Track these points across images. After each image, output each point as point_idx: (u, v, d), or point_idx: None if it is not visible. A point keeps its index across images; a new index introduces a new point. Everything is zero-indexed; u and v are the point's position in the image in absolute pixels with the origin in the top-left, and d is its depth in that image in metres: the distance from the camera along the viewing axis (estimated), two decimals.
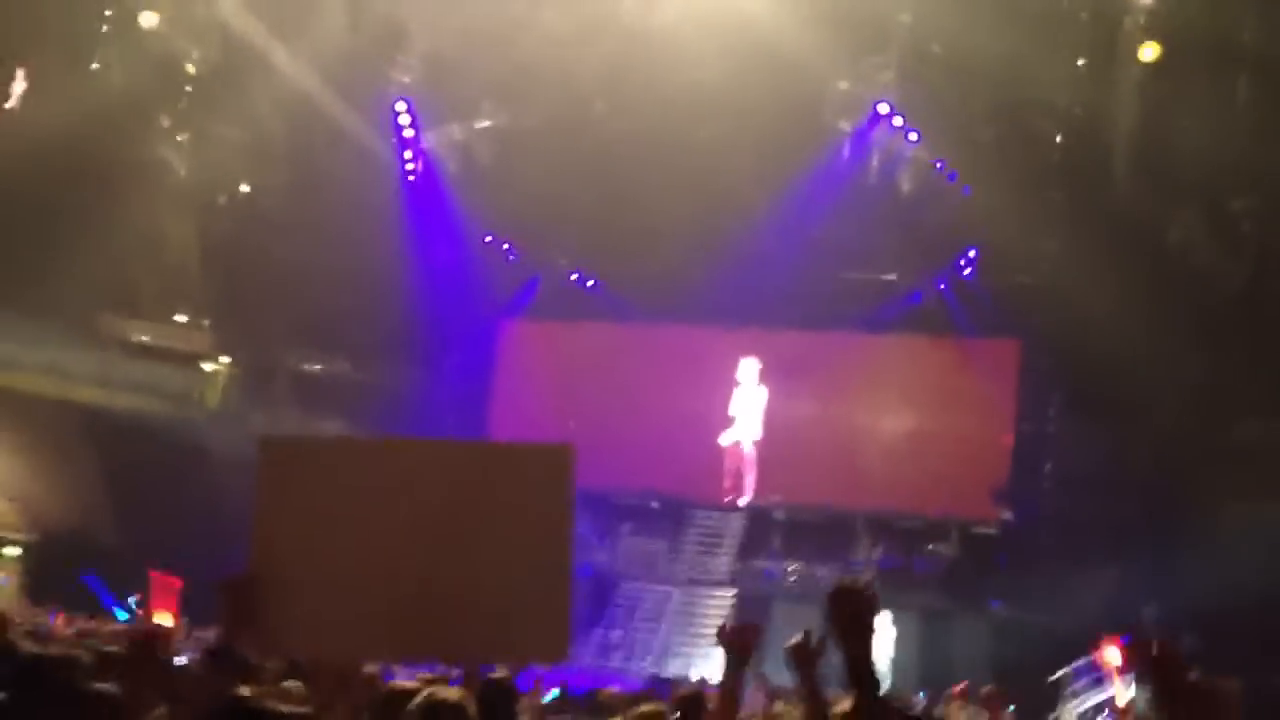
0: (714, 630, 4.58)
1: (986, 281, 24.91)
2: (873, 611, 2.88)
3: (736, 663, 4.23)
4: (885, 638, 21.54)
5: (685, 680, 13.46)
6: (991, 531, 24.02)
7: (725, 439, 25.46)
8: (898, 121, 23.16)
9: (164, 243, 24.63)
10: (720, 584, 23.54)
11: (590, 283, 26.94)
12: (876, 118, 23.31)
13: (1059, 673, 19.36)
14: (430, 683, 6.33)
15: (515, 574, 3.30)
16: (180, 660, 6.58)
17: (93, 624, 13.00)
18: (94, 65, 22.73)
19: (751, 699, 10.72)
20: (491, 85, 24.22)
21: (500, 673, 5.86)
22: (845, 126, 23.82)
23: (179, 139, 24.37)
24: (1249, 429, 22.09)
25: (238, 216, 24.99)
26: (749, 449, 25.42)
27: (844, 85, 23.13)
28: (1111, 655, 15.73)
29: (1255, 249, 22.19)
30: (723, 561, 24.22)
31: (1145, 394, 22.40)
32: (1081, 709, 18.27)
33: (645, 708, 6.29)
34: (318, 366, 26.83)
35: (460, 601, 3.27)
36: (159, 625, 11.06)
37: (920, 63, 22.52)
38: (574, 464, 3.42)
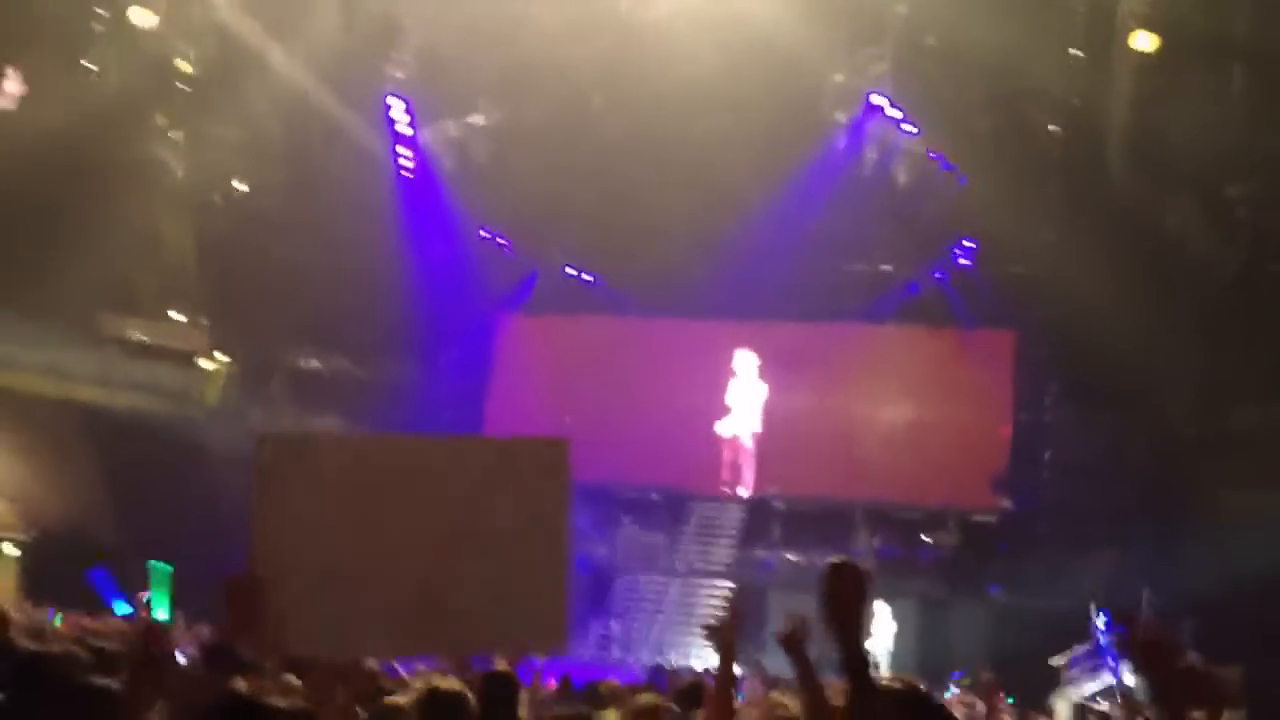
0: (714, 621, 4.60)
1: (983, 272, 24.95)
2: (863, 589, 2.89)
3: (725, 654, 4.25)
4: (885, 626, 21.61)
5: (685, 671, 13.49)
6: (990, 520, 24.10)
7: (723, 431, 25.49)
8: (893, 113, 23.17)
9: (161, 241, 24.63)
10: (719, 575, 23.58)
11: (588, 277, 26.95)
12: (872, 109, 23.32)
13: (1057, 659, 19.39)
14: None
15: (513, 567, 3.32)
16: (179, 657, 6.60)
17: (91, 622, 13.01)
18: (88, 65, 22.69)
19: (749, 688, 10.75)
20: (487, 81, 24.21)
21: (501, 665, 5.89)
22: (841, 118, 23.83)
23: (174, 138, 24.34)
24: (1247, 416, 22.14)
25: (234, 215, 24.98)
26: (747, 441, 25.44)
27: (839, 77, 23.14)
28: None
29: (1251, 236, 22.23)
30: (722, 553, 24.26)
31: (1143, 382, 22.45)
32: (1080, 695, 18.28)
33: (645, 699, 6.31)
34: (316, 363, 26.85)
35: (459, 595, 3.28)
36: (157, 622, 11.07)
37: (916, 54, 22.52)
38: (571, 458, 3.44)
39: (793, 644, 3.12)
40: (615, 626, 23.03)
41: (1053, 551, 22.91)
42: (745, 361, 25.70)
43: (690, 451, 25.18)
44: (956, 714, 7.48)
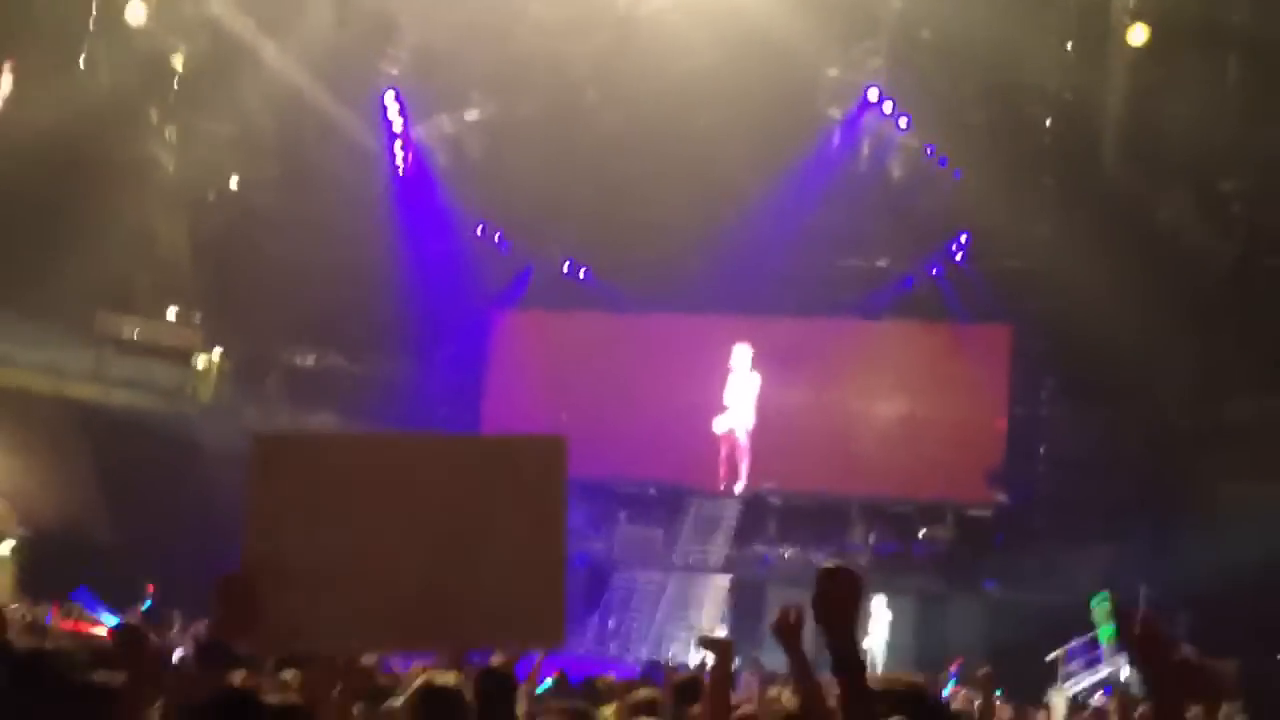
0: (710, 617, 4.61)
1: (978, 266, 24.96)
2: (857, 593, 2.89)
3: (722, 656, 4.26)
4: (881, 621, 21.65)
5: (682, 666, 13.49)
6: (986, 514, 24.11)
7: (720, 426, 25.51)
8: (888, 107, 23.17)
9: (155, 239, 24.59)
10: (716, 570, 23.59)
11: (583, 273, 26.95)
12: (867, 104, 23.32)
13: (1054, 653, 19.43)
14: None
15: (510, 563, 3.32)
16: (175, 655, 6.60)
17: (87, 624, 13.01)
18: (81, 63, 22.65)
19: (746, 684, 10.76)
20: (482, 76, 24.20)
21: (497, 660, 5.89)
22: (836, 113, 23.84)
23: (168, 135, 24.32)
24: (1241, 408, 22.16)
25: (228, 212, 24.97)
26: (744, 436, 25.46)
27: (834, 72, 23.15)
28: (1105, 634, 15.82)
29: (1245, 229, 22.25)
30: (719, 548, 24.27)
31: (1138, 376, 22.46)
32: (1076, 688, 18.33)
33: (641, 693, 6.32)
34: (311, 360, 26.84)
35: (455, 591, 3.29)
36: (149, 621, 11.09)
37: (910, 48, 22.54)
38: (566, 455, 3.44)
39: (787, 634, 3.11)
40: (612, 622, 23.05)
41: (1048, 546, 22.92)
42: (741, 357, 25.71)
43: (687, 447, 25.19)
44: (960, 709, 7.50)
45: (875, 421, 25.54)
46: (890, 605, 21.88)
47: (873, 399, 25.85)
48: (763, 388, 25.58)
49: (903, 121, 23.26)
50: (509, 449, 3.54)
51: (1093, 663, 19.24)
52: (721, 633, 16.96)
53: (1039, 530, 23.56)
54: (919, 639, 21.51)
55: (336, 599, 3.24)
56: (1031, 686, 17.12)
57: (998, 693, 13.15)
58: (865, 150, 24.06)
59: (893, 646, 21.49)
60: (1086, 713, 12.16)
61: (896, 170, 23.96)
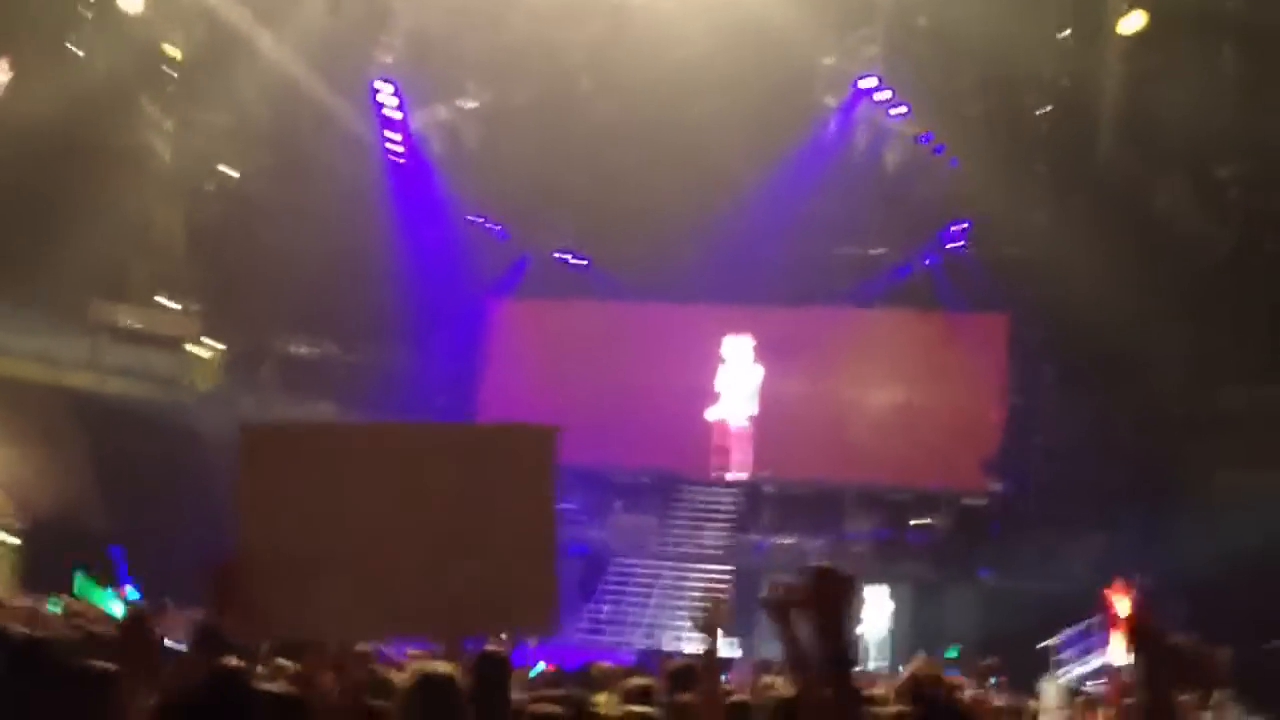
0: (706, 604, 4.63)
1: (974, 254, 24.95)
2: (848, 594, 2.90)
3: (710, 636, 4.29)
4: (877, 609, 21.69)
5: (677, 654, 13.52)
6: (982, 503, 24.14)
7: (714, 415, 25.52)
8: (884, 96, 23.14)
9: (151, 228, 24.57)
10: (712, 559, 23.62)
11: (579, 261, 26.93)
12: (862, 92, 23.29)
13: (1048, 641, 19.49)
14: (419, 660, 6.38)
15: (502, 551, 3.33)
16: (170, 642, 6.61)
17: (85, 608, 13.02)
18: (77, 52, 22.59)
19: (740, 671, 10.78)
20: (476, 65, 24.15)
21: (493, 647, 5.91)
22: (832, 102, 23.81)
23: (164, 125, 24.26)
24: (1237, 396, 22.20)
25: (224, 201, 24.93)
26: (739, 425, 25.47)
27: (830, 60, 23.11)
28: (1122, 606, 15.85)
29: (1242, 216, 22.25)
30: (714, 537, 24.30)
31: (1134, 363, 22.50)
32: (1070, 676, 18.38)
33: (636, 681, 6.34)
34: (306, 349, 26.80)
35: (447, 579, 3.30)
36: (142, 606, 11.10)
37: (906, 36, 22.51)
38: (558, 444, 3.45)
39: (779, 610, 3.12)
40: (608, 610, 23.09)
41: (1044, 534, 22.97)
42: (737, 346, 25.72)
43: (682, 436, 25.20)
44: (966, 696, 7.52)
45: (871, 410, 25.56)
46: (885, 593, 21.93)
47: (868, 387, 25.86)
48: (759, 376, 25.59)
49: (898, 110, 23.23)
50: (500, 438, 3.56)
51: (1086, 651, 19.31)
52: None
53: (1034, 519, 23.59)
54: (915, 627, 21.56)
55: (328, 587, 3.25)
56: (1025, 674, 17.16)
57: (991, 681, 13.21)
58: (861, 138, 24.03)
59: (888, 635, 21.55)
60: (1080, 699, 12.20)
61: (892, 158, 23.93)
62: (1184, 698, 7.78)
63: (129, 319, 24.51)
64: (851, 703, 2.85)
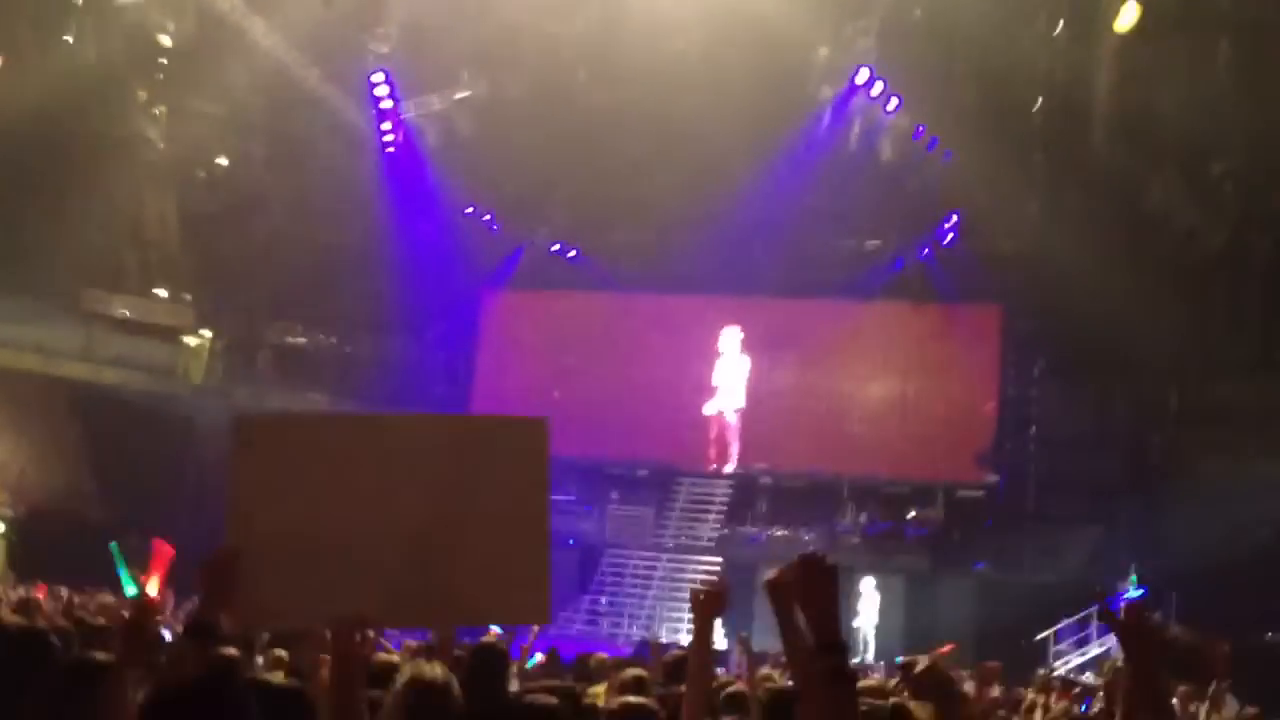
0: (702, 589, 4.63)
1: (968, 247, 24.96)
2: (834, 579, 2.91)
3: (704, 625, 4.29)
4: (872, 601, 21.74)
5: (672, 645, 13.54)
6: (976, 495, 24.18)
7: (710, 407, 25.54)
8: (878, 88, 23.12)
9: (144, 217, 24.51)
10: (707, 550, 23.66)
11: (573, 253, 26.91)
12: (857, 85, 23.27)
13: (1044, 633, 19.53)
14: (415, 653, 6.38)
15: (495, 541, 3.34)
16: (166, 633, 6.62)
17: (80, 597, 13.02)
18: (68, 40, 22.51)
19: (735, 662, 10.79)
20: (471, 55, 24.09)
21: (489, 638, 5.91)
22: (826, 94, 23.78)
23: (156, 113, 24.19)
24: (1230, 388, 22.25)
25: (217, 190, 24.87)
26: (734, 417, 25.50)
27: (824, 52, 23.08)
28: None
29: (1234, 211, 22.28)
30: (709, 528, 24.35)
31: (1128, 356, 22.54)
32: (1065, 669, 18.41)
33: (631, 672, 6.34)
34: (301, 339, 26.79)
35: (439, 569, 3.30)
36: (150, 597, 11.08)
37: (901, 29, 22.46)
38: (549, 436, 3.45)
39: (780, 592, 3.12)
40: (604, 601, 23.13)
41: (1038, 526, 23.04)
42: (732, 338, 25.73)
43: (678, 427, 25.25)
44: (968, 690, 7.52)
45: (865, 402, 25.61)
46: (880, 585, 21.97)
47: (863, 380, 25.91)
48: (753, 368, 25.62)
49: (893, 102, 23.22)
50: (492, 429, 3.56)
51: (1082, 642, 19.36)
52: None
53: (1028, 511, 23.65)
54: (909, 619, 21.61)
55: (321, 577, 3.25)
56: (1020, 666, 17.19)
57: (995, 691, 13.21)
58: (855, 131, 24.00)
59: (883, 627, 21.59)
60: (1076, 690, 12.20)
61: (887, 151, 23.92)
62: (1183, 688, 7.80)
63: (123, 309, 24.48)
64: (845, 689, 2.85)
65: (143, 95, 23.97)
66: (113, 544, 11.51)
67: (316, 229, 24.14)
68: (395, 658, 5.89)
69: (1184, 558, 17.82)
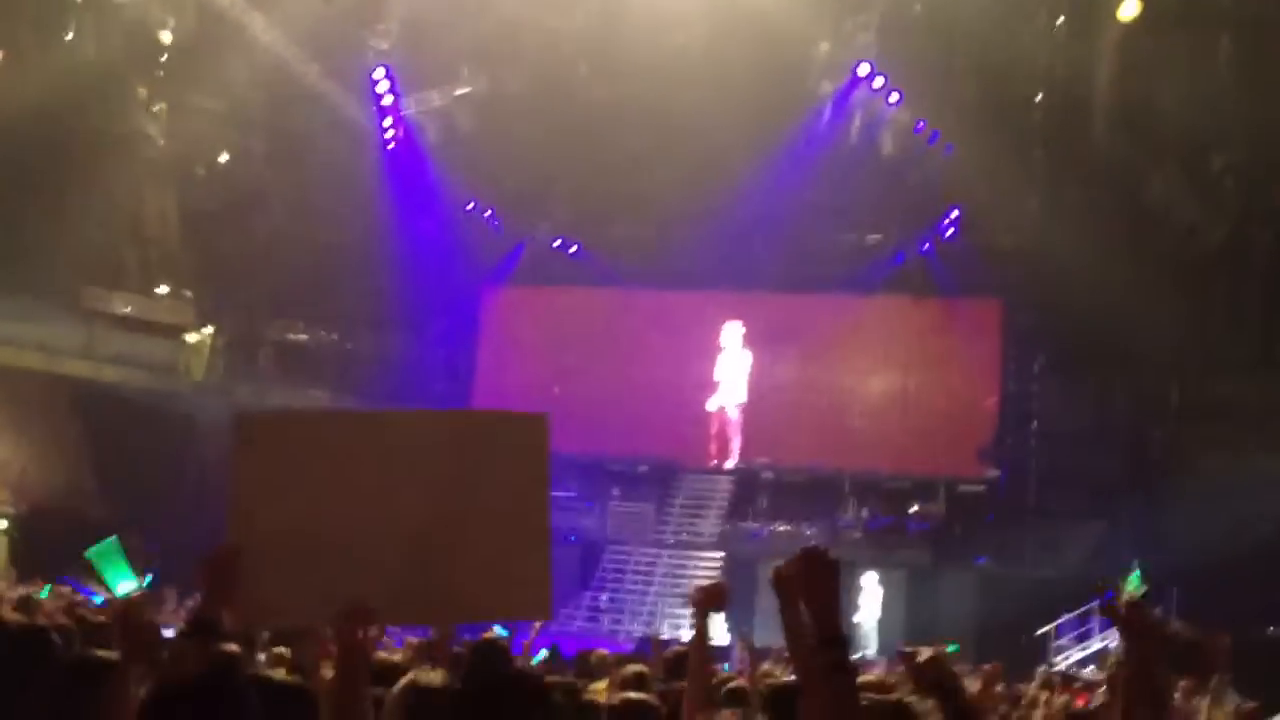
0: (702, 583, 4.64)
1: (969, 242, 24.95)
2: (835, 573, 2.92)
3: (701, 621, 4.31)
4: (873, 596, 21.74)
5: (674, 642, 13.56)
6: (978, 490, 24.17)
7: (712, 403, 25.54)
8: (879, 83, 23.12)
9: (144, 215, 24.50)
10: (708, 546, 23.66)
11: (574, 248, 26.90)
12: (858, 79, 23.26)
13: (1044, 628, 19.53)
14: (417, 649, 6.39)
15: (496, 537, 3.34)
16: (167, 631, 6.61)
17: (80, 596, 13.01)
18: (68, 37, 22.49)
19: (737, 658, 10.78)
20: (471, 50, 24.08)
21: (490, 635, 5.92)
22: (827, 88, 23.78)
23: (156, 110, 24.18)
24: (1230, 383, 22.24)
25: (217, 187, 24.86)
26: (735, 412, 25.50)
27: (825, 47, 23.08)
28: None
29: (1236, 206, 22.27)
30: (710, 524, 24.35)
31: (1129, 350, 22.53)
32: (1069, 663, 18.42)
33: (632, 668, 6.35)
34: (302, 336, 26.78)
35: (440, 566, 3.30)
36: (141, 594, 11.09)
37: (901, 23, 22.46)
38: (549, 432, 3.45)
39: (784, 585, 3.12)
40: (605, 597, 23.12)
41: (1039, 521, 23.04)
42: (733, 333, 25.73)
43: (679, 423, 25.24)
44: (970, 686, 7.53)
45: (866, 397, 25.61)
46: (882, 580, 21.97)
47: (864, 374, 25.91)
48: (754, 364, 25.62)
49: (894, 97, 23.21)
50: (492, 425, 3.55)
51: (1083, 637, 19.36)
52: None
53: (1030, 505, 23.65)
54: (910, 614, 21.61)
55: (322, 575, 3.25)
56: (1021, 661, 17.19)
57: (998, 689, 13.22)
58: (856, 126, 24.01)
59: (884, 621, 21.59)
60: (1077, 685, 12.21)
61: (887, 146, 23.92)
62: (1183, 682, 7.80)
63: (125, 306, 24.47)
64: (846, 682, 2.85)
65: (143, 92, 23.96)
66: (113, 538, 11.51)
67: (317, 226, 24.14)
68: (396, 657, 5.90)
69: (1185, 553, 17.81)
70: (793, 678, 4.32)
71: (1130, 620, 3.24)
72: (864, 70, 22.92)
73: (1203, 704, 7.67)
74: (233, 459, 3.33)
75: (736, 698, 5.46)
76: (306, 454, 3.35)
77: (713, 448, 25.48)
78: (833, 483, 24.51)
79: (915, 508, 23.86)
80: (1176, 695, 7.39)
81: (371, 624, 3.22)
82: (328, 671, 4.35)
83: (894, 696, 4.93)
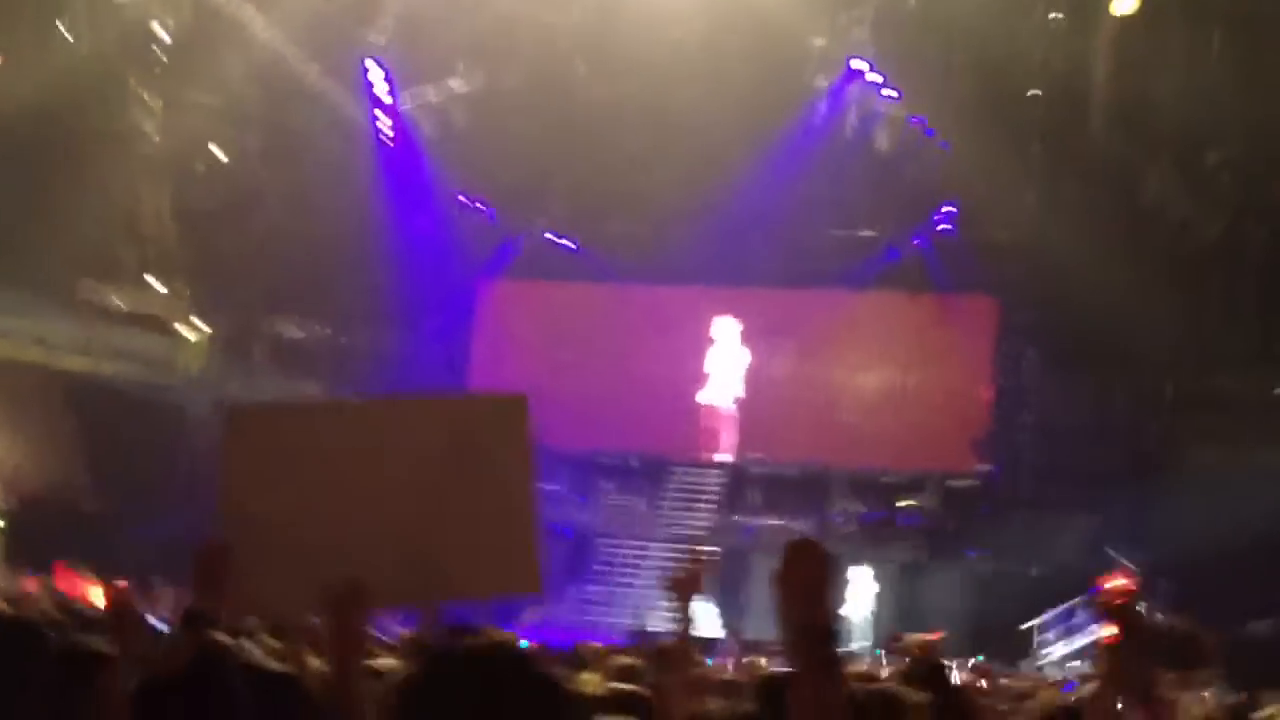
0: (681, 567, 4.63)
1: (964, 237, 24.95)
2: (827, 567, 2.92)
3: (684, 608, 4.31)
4: (864, 590, 21.77)
5: (665, 634, 13.59)
6: (970, 484, 24.21)
7: (704, 397, 25.54)
8: (875, 78, 23.12)
9: (141, 210, 24.48)
10: (700, 540, 23.65)
11: (569, 243, 26.89)
12: (853, 74, 23.26)
13: (1031, 622, 19.58)
14: (407, 643, 6.40)
15: (483, 517, 3.37)
16: (156, 623, 6.62)
17: (69, 589, 13.03)
18: (65, 33, 22.47)
19: (728, 650, 10.83)
20: (467, 46, 24.07)
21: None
22: (822, 83, 23.78)
23: (152, 106, 24.16)
24: (1226, 378, 22.28)
25: (214, 182, 24.84)
26: (728, 406, 25.51)
27: (820, 42, 23.08)
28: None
29: (1231, 201, 22.30)
30: (702, 518, 24.35)
31: (1123, 346, 22.56)
32: (1055, 657, 18.47)
33: (622, 660, 6.37)
34: (297, 331, 26.77)
35: (431, 545, 3.33)
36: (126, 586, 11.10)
37: (897, 18, 22.47)
38: (528, 411, 3.49)
39: (779, 577, 3.13)
40: (596, 590, 23.14)
41: (1032, 515, 23.06)
42: (726, 327, 25.73)
43: (671, 417, 25.24)
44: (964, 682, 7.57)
45: (860, 392, 25.62)
46: (873, 574, 22.00)
47: (857, 370, 25.92)
48: (748, 358, 25.62)
49: (889, 92, 23.21)
50: (471, 408, 3.60)
51: (1069, 632, 19.39)
52: (706, 603, 16.96)
53: (1022, 500, 23.68)
54: (901, 608, 21.65)
55: (312, 564, 3.27)
56: (1011, 655, 17.29)
57: (980, 658, 13.28)
58: (851, 120, 24.01)
59: (875, 616, 21.62)
60: (1062, 679, 12.27)
61: (882, 141, 23.92)
62: (1172, 675, 7.83)
63: (119, 301, 24.46)
64: (833, 675, 2.86)
65: (139, 87, 23.94)
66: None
67: (313, 221, 24.12)
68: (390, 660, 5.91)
69: (1179, 547, 17.85)
70: (782, 669, 4.35)
71: (1113, 610, 3.26)
72: (860, 65, 22.91)
73: (1191, 697, 7.70)
74: (223, 450, 3.36)
75: (726, 690, 5.48)
76: (296, 445, 3.37)
77: (705, 442, 25.48)
78: (825, 477, 24.54)
79: (909, 502, 23.87)
80: (1164, 688, 7.41)
81: (366, 605, 3.23)
82: (314, 661, 4.37)
83: (885, 685, 4.96)
